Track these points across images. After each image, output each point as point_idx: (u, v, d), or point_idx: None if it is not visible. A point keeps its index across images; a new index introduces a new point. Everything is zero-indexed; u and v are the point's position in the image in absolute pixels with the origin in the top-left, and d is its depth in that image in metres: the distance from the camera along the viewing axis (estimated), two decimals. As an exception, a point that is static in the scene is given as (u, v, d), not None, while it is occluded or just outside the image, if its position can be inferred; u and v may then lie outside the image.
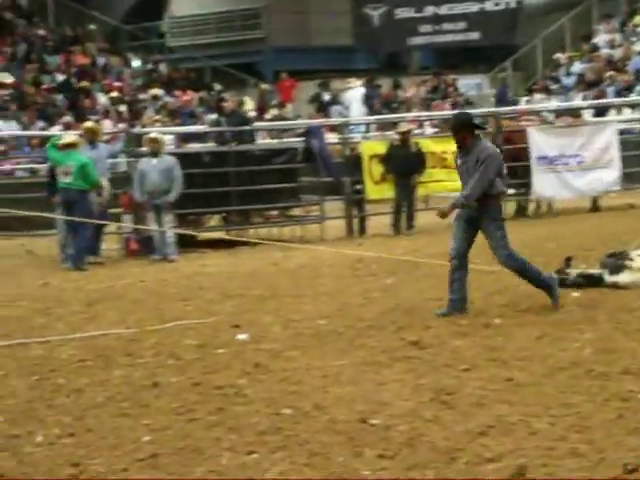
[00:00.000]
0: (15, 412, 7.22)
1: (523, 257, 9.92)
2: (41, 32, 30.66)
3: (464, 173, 9.85)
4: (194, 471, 5.84)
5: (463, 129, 9.83)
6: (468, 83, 31.58)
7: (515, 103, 28.16)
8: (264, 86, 29.76)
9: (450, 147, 15.32)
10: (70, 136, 15.61)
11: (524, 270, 9.88)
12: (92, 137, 15.68)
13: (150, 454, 6.15)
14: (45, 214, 14.84)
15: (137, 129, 20.07)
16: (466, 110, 12.10)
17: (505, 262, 9.86)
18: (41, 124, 24.31)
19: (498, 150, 10.19)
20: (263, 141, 21.43)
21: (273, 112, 27.68)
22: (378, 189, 18.13)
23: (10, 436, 6.63)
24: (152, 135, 16.10)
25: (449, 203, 10.13)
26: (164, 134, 19.99)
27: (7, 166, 21.79)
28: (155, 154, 15.57)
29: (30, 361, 8.89)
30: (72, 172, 14.71)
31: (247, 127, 18.23)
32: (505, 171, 10.07)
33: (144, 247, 16.00)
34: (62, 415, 7.10)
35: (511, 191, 16.09)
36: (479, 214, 9.77)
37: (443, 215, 10.13)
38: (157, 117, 25.80)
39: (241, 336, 9.45)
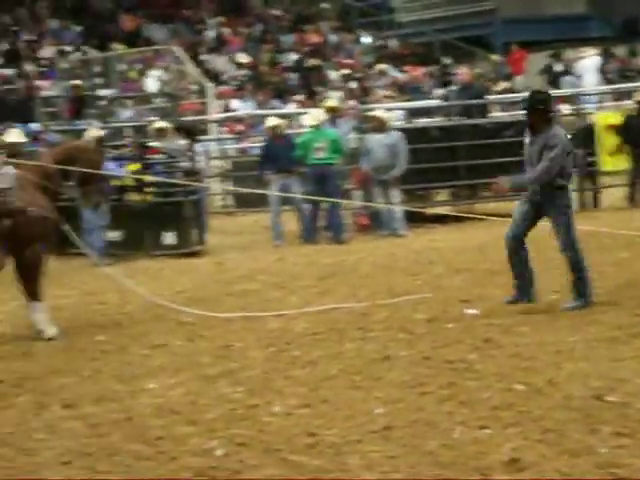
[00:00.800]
0: (253, 383, 7.48)
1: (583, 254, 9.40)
2: (276, 12, 31.44)
3: (530, 155, 9.39)
4: (427, 444, 5.88)
5: (536, 110, 9.33)
6: None
7: None
8: (494, 57, 29.32)
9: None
10: (320, 112, 16.05)
11: (579, 263, 9.34)
12: (333, 115, 16.10)
13: (383, 426, 6.24)
14: (275, 193, 15.22)
15: (366, 106, 20.21)
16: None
17: (564, 250, 9.37)
18: (276, 103, 24.92)
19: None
20: (493, 114, 21.14)
21: (503, 85, 27.27)
22: (612, 160, 17.62)
23: (249, 406, 6.88)
24: (376, 113, 16.25)
25: (510, 180, 9.80)
26: (392, 110, 20.21)
27: (244, 144, 22.50)
28: (381, 130, 15.70)
29: (267, 333, 9.18)
30: (325, 148, 15.16)
31: (478, 101, 18.02)
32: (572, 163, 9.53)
33: (374, 222, 16.19)
34: (298, 386, 7.31)
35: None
36: (544, 202, 9.35)
37: (498, 191, 9.78)
38: (386, 93, 25.93)
39: (471, 311, 9.42)
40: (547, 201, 9.35)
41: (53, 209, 9.69)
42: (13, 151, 12.60)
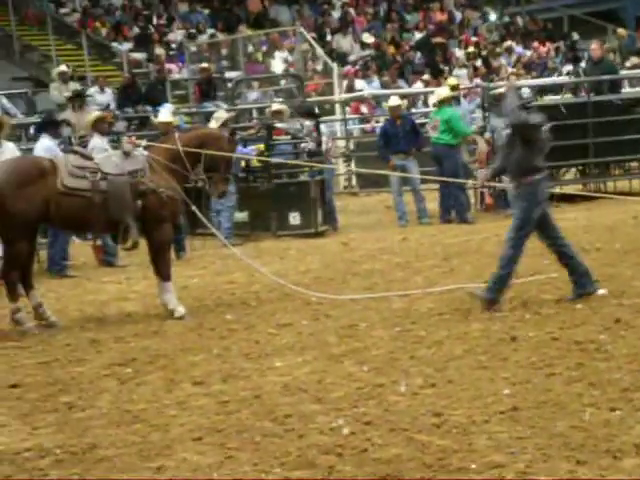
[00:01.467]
0: (379, 362, 7.51)
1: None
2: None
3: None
4: (556, 426, 5.82)
5: None
6: None
7: None
8: (620, 30, 28.51)
9: None
10: (444, 91, 15.96)
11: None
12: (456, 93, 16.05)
13: (511, 407, 6.20)
14: (395, 174, 15.19)
15: (492, 84, 19.96)
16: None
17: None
18: (401, 83, 24.84)
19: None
20: (624, 91, 20.62)
21: (634, 60, 26.58)
22: None
23: (375, 385, 6.91)
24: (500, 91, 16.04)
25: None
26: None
27: (368, 125, 22.51)
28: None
29: (392, 313, 9.19)
30: (438, 127, 15.11)
31: (609, 77, 17.60)
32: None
33: (499, 202, 16.02)
34: (424, 366, 7.31)
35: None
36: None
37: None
38: (513, 70, 25.57)
39: (600, 291, 9.25)
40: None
41: (182, 191, 9.86)
42: (165, 129, 12.89)
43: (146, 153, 9.82)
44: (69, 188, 9.37)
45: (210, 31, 26.58)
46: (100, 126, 12.87)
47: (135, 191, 9.53)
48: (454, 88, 16.31)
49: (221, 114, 14.49)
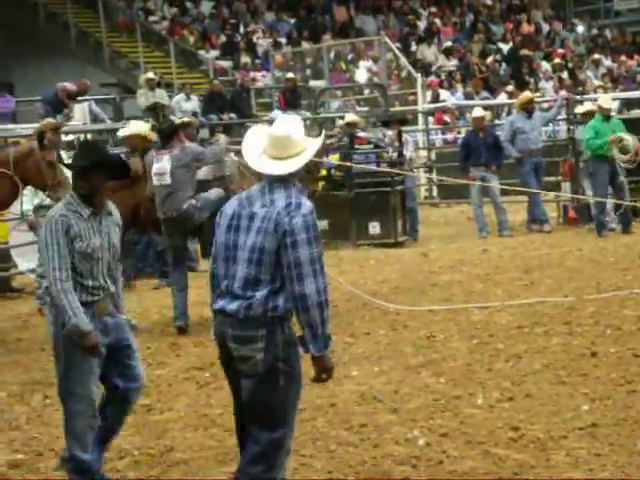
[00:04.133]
0: (456, 374, 7.48)
1: None
2: (488, 1, 31.15)
3: None
4: (635, 444, 5.74)
5: None
6: None
7: None
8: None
9: None
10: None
11: None
12: (528, 106, 15.81)
13: (590, 423, 6.13)
14: (476, 183, 15.09)
15: (577, 96, 19.73)
16: None
17: None
18: (485, 94, 24.69)
19: None
20: None
21: None
22: None
23: (452, 397, 6.88)
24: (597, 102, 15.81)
25: None
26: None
27: (450, 135, 22.42)
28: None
29: (470, 325, 9.14)
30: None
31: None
32: None
33: (582, 215, 15.82)
34: (501, 379, 7.26)
35: None
36: None
37: None
38: (599, 83, 25.26)
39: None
40: None
41: None
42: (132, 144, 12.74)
43: (236, 158, 9.87)
44: None
45: (296, 40, 26.74)
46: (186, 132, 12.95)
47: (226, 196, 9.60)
48: (530, 101, 16.09)
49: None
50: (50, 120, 11.99)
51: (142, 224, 9.73)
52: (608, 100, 15.48)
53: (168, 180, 9.51)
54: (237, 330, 4.72)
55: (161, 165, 9.55)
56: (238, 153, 10.01)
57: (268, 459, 4.75)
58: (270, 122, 16.97)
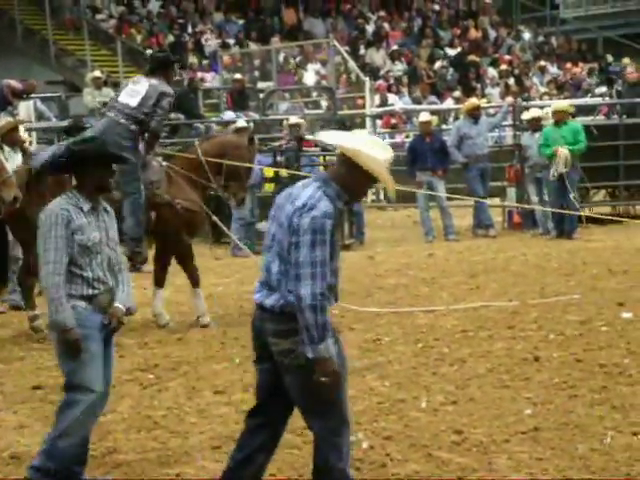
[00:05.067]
0: (401, 377, 7.50)
1: None
2: (436, 6, 31.34)
3: None
4: (577, 448, 5.79)
5: None
6: None
7: None
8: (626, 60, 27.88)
9: None
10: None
11: None
12: (474, 112, 15.92)
13: (532, 427, 6.18)
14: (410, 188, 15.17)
15: (523, 102, 19.91)
16: None
17: None
18: (432, 99, 24.82)
19: None
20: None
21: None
22: None
23: (396, 400, 6.90)
24: (531, 111, 15.96)
25: None
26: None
27: (397, 139, 22.50)
28: (536, 129, 15.46)
29: (416, 329, 9.18)
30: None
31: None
32: None
33: (526, 220, 15.99)
34: (445, 383, 7.29)
35: None
36: None
37: None
38: (545, 90, 25.51)
39: (626, 314, 9.20)
40: None
41: (202, 201, 9.86)
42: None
43: (165, 163, 9.83)
44: None
45: (245, 41, 26.68)
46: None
47: (150, 202, 9.55)
48: (475, 107, 16.18)
49: (240, 123, 14.51)
50: (9, 120, 11.81)
51: None
52: (563, 105, 15.62)
53: None
54: (277, 324, 4.75)
55: None
56: (168, 158, 9.96)
57: (330, 445, 4.84)
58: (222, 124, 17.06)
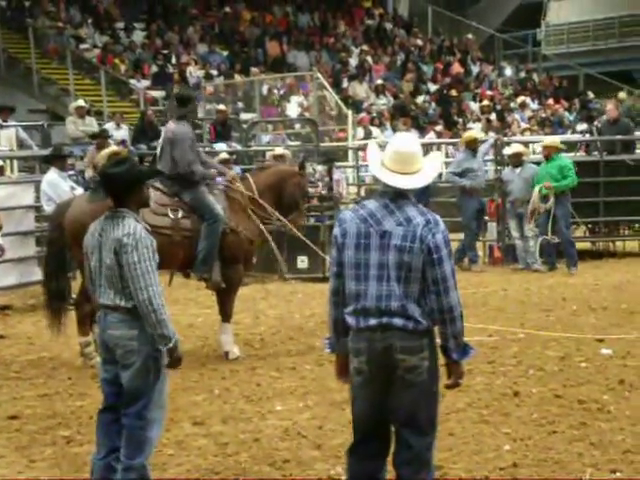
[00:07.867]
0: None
1: None
2: (419, 42, 31.55)
3: None
4: (555, 485, 5.79)
5: None
6: None
7: None
8: (622, 94, 28.10)
9: None
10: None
11: None
12: (473, 145, 16.00)
13: (511, 463, 6.17)
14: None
15: (504, 137, 20.00)
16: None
17: None
18: (414, 132, 24.90)
19: None
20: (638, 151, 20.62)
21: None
22: None
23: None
24: (513, 147, 16.05)
25: None
26: (533, 143, 20.00)
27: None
28: (518, 163, 15.55)
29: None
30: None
31: (624, 137, 17.60)
32: None
33: (507, 256, 16.04)
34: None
35: None
36: None
37: None
38: (526, 126, 25.66)
39: (605, 350, 9.23)
40: None
41: (259, 232, 9.80)
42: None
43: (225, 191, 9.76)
44: (150, 226, 9.39)
45: (229, 72, 26.76)
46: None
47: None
48: (474, 140, 16.24)
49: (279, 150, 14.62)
50: None
51: None
52: (552, 141, 15.70)
53: None
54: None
55: None
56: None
57: (424, 462, 4.98)
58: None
